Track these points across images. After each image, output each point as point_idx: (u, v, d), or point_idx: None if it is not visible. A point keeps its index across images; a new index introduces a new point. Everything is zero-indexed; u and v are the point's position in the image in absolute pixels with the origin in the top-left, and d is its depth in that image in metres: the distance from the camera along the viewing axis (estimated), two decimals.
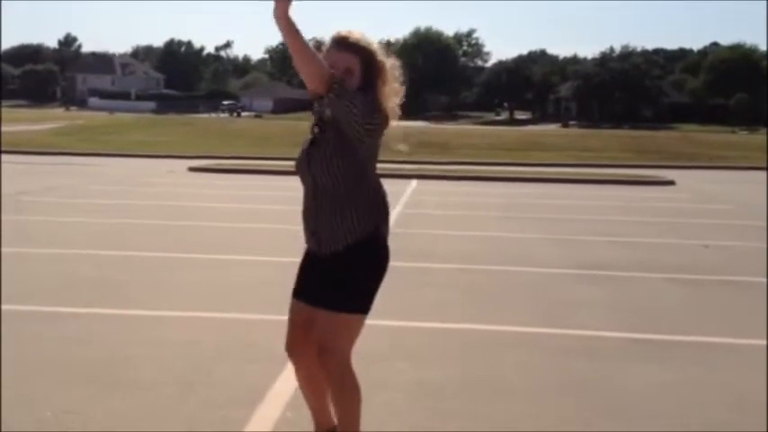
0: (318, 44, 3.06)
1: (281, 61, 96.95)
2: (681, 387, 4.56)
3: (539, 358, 5.05)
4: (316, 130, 3.06)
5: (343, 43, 2.99)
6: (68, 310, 5.94)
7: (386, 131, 3.09)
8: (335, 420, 3.22)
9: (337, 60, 2.96)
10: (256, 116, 68.12)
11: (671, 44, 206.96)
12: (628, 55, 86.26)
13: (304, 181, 3.12)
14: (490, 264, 8.34)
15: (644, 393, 4.43)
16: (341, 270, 3.03)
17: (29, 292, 6.53)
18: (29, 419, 3.78)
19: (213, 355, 4.91)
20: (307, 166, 3.07)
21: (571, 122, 73.97)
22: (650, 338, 5.60)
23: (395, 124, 3.10)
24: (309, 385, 3.24)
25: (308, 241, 3.15)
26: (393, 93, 3.06)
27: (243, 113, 77.32)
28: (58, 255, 8.27)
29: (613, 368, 4.88)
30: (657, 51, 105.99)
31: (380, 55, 3.04)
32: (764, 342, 5.38)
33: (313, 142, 3.06)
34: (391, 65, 3.05)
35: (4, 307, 5.87)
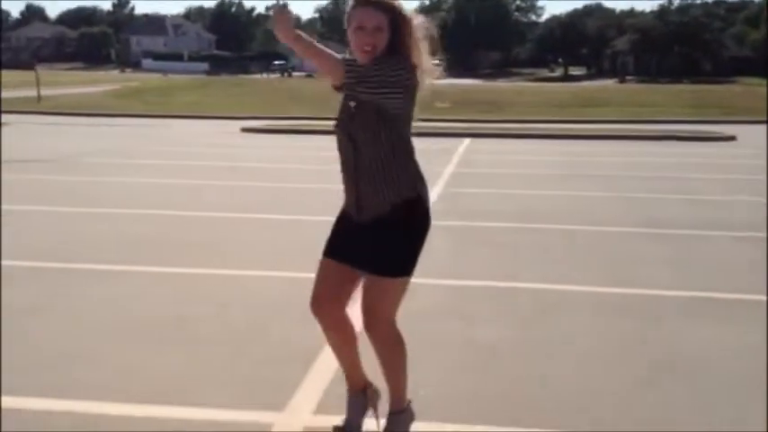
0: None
1: (331, 21, 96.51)
2: (746, 346, 4.40)
3: (601, 317, 4.93)
4: (352, 104, 2.97)
5: (368, 1, 2.90)
6: (126, 268, 5.99)
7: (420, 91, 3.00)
8: (369, 379, 3.23)
9: (364, 18, 2.88)
10: (308, 76, 67.96)
11: None
12: (687, 7, 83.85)
13: (343, 151, 3.03)
14: (550, 222, 8.18)
15: (709, 352, 4.30)
16: (384, 235, 2.96)
17: (89, 251, 6.61)
18: (89, 378, 3.81)
19: (269, 313, 4.90)
20: (348, 138, 2.99)
21: (628, 77, 72.29)
22: (715, 297, 5.44)
23: (429, 83, 3.01)
24: (339, 344, 3.18)
25: (347, 206, 3.07)
26: (424, 50, 2.96)
27: (294, 73, 77.29)
28: (117, 214, 8.36)
29: (677, 327, 4.74)
30: (718, 3, 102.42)
31: (406, 11, 2.95)
32: None
33: (351, 116, 2.97)
34: (419, 22, 2.96)
35: (64, 266, 5.97)
